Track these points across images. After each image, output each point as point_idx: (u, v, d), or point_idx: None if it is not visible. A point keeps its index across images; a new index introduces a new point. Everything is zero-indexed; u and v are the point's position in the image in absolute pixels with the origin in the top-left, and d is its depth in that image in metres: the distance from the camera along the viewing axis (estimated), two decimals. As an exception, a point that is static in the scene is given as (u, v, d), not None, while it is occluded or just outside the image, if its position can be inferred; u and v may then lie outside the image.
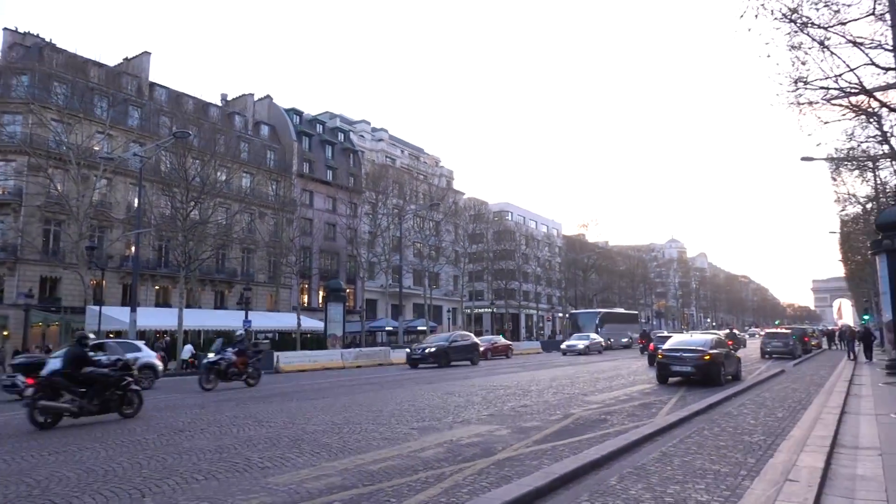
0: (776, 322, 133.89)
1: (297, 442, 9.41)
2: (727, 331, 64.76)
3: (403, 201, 55.72)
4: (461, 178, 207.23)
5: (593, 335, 46.47)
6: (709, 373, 17.84)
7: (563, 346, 44.50)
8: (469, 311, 69.32)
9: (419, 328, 58.60)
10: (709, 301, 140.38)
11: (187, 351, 32.55)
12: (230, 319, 40.76)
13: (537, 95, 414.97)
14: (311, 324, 44.37)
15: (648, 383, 18.92)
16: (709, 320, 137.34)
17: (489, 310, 71.29)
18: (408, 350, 32.95)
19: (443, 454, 8.35)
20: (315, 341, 41.85)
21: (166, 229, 39.68)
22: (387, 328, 56.76)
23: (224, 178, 41.57)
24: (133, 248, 36.29)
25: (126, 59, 48.26)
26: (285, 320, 44.69)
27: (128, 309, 31.68)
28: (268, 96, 58.95)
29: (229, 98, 57.81)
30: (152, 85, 48.44)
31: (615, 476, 6.89)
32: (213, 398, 16.68)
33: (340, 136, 63.75)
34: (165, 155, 38.10)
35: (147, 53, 48.32)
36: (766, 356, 34.93)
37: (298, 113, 60.27)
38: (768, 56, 19.94)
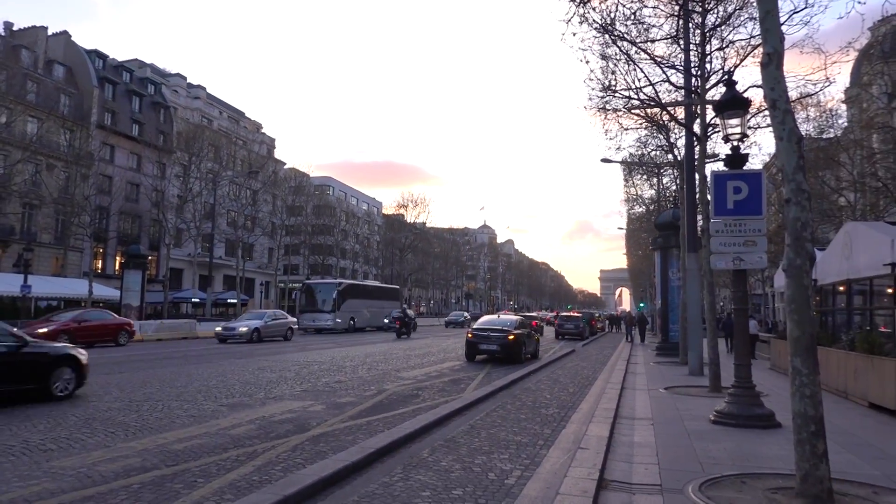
0: (569, 307, 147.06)
1: (87, 421, 8.55)
2: (554, 313, 69.44)
3: (219, 166, 52.38)
4: (283, 147, 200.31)
5: (279, 313, 32.65)
6: (512, 351, 19.18)
7: (217, 328, 30.21)
8: (283, 284, 67.37)
9: (230, 301, 55.89)
10: (513, 285, 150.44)
11: (-55, 318, 27.90)
12: (3, 283, 35.70)
13: (365, 74, 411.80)
14: (106, 292, 40.33)
15: (458, 360, 19.87)
16: (511, 302, 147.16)
17: (305, 284, 69.93)
18: None
19: (255, 431, 8.09)
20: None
21: (-78, 174, 33.48)
22: (193, 300, 53.35)
23: (4, 120, 35.92)
24: None
25: None
26: (74, 287, 40.10)
27: None
28: (65, 32, 51.85)
29: (15, 28, 49.98)
30: None
31: (427, 449, 7.16)
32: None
33: (151, 88, 58.10)
34: (-75, 85, 32.03)
35: None
36: (560, 337, 38.35)
37: (102, 56, 53.79)
38: (587, 62, 21.60)
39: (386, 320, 42.24)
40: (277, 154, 75.56)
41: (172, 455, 6.71)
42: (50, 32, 50.93)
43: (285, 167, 71.27)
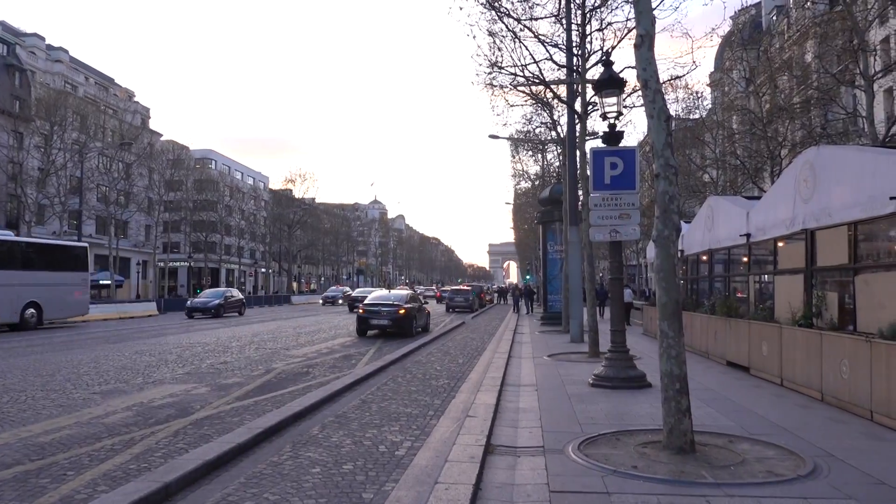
0: (459, 280, 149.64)
1: (-66, 417, 7.73)
2: (458, 287, 69.58)
3: (87, 137, 48.33)
4: (160, 118, 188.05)
5: None
6: (403, 325, 19.35)
7: None
8: (163, 263, 63.74)
9: (102, 282, 52.16)
10: (404, 260, 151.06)
11: None
12: None
13: (246, 44, 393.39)
14: (-46, 275, 36.37)
15: (349, 336, 19.76)
16: (403, 277, 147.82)
17: (186, 263, 66.57)
18: None
19: (132, 418, 7.67)
20: (-41, 296, 34.44)
21: None
22: (59, 281, 49.26)
23: None
24: None
25: None
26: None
27: None
28: None
29: None
30: None
31: (318, 426, 7.10)
32: None
33: (3, 49, 52.44)
34: None
35: None
36: (451, 310, 39.10)
37: (-61, 11, 47.82)
38: (474, 37, 21.74)
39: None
40: (153, 125, 70.81)
41: (37, 448, 6.23)
42: None
43: (162, 139, 67.02)
